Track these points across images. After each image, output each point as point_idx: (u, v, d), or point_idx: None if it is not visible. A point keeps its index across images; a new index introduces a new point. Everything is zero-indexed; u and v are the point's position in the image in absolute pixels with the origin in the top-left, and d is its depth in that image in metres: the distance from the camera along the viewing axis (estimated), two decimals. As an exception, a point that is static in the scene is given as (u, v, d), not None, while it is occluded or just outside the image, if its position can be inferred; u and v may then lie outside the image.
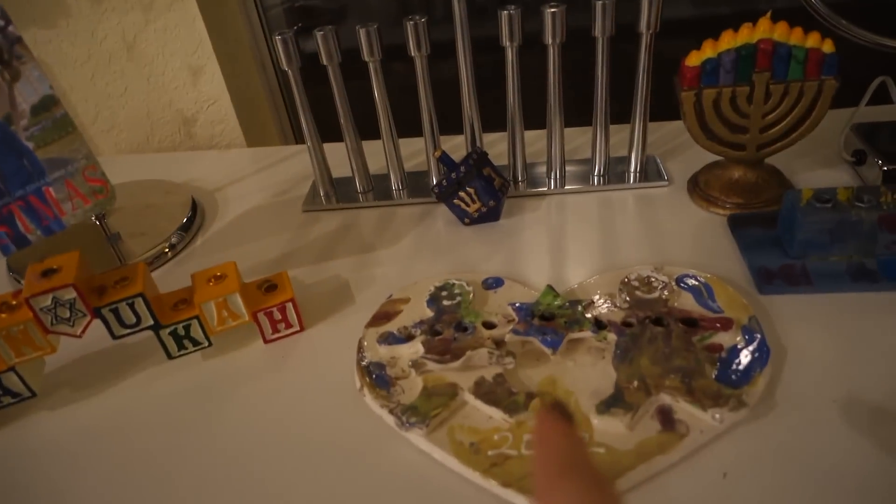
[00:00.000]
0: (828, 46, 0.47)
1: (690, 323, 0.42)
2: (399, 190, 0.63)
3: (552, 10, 0.51)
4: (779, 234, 0.49)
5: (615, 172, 0.61)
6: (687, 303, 0.44)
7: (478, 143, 0.59)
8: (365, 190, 0.63)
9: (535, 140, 0.65)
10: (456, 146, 0.65)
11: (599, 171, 0.60)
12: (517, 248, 0.54)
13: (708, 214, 0.55)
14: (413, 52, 0.54)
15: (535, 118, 0.60)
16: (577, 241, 0.54)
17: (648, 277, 0.46)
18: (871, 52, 0.58)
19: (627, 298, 0.45)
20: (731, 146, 0.52)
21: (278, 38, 0.55)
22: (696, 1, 0.86)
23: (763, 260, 0.48)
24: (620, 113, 0.58)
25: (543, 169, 0.62)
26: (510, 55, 0.54)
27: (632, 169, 0.60)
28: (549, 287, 0.46)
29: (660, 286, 0.45)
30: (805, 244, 0.46)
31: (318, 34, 0.54)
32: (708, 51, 0.49)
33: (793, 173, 0.58)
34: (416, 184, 0.63)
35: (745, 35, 0.48)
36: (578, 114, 0.63)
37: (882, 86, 0.60)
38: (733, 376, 0.38)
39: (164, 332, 0.44)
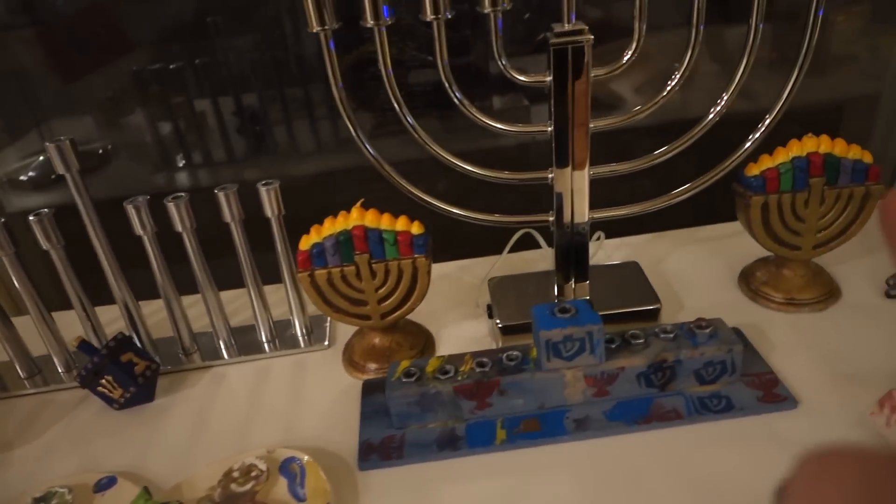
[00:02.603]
0: (416, 228, 0.53)
1: (265, 519, 0.43)
2: (64, 372, 0.61)
3: (172, 201, 0.54)
4: (391, 402, 0.52)
5: (284, 336, 0.63)
6: (280, 491, 0.45)
7: (135, 318, 0.60)
8: (29, 374, 0.61)
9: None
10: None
11: (266, 336, 0.62)
12: (157, 433, 0.54)
13: (353, 380, 0.57)
14: (44, 244, 0.55)
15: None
16: (220, 420, 0.54)
17: (251, 466, 0.47)
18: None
19: (221, 493, 0.45)
20: (356, 317, 0.56)
21: None
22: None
23: (373, 431, 0.50)
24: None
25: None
26: (147, 243, 0.56)
27: (297, 332, 0.62)
28: (144, 490, 0.45)
29: (257, 475, 0.46)
30: (401, 416, 0.49)
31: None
32: (314, 236, 0.53)
33: (441, 327, 0.62)
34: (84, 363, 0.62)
35: (342, 222, 0.52)
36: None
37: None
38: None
39: None
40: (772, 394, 0.49)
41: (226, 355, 0.61)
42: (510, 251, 0.69)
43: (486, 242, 0.69)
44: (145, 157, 1.00)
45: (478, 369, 0.49)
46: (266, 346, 0.62)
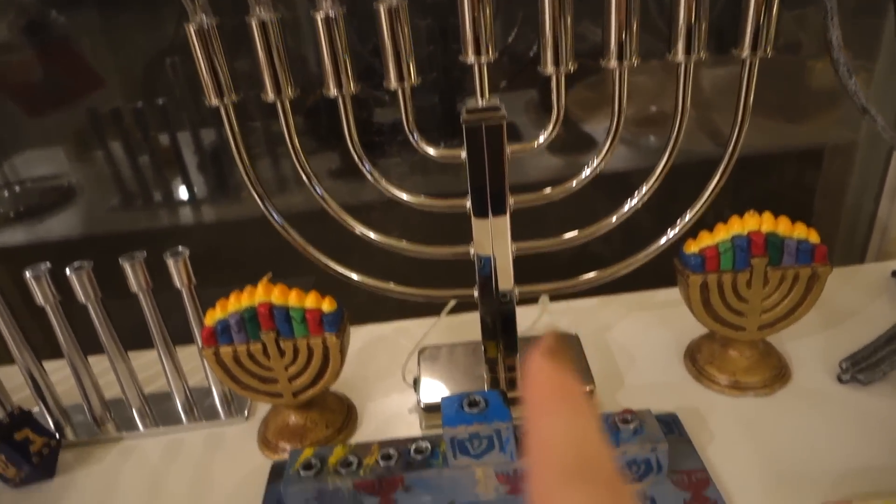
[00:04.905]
0: (327, 305, 0.49)
1: None
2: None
3: (74, 272, 0.51)
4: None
5: (203, 405, 0.59)
6: None
7: (41, 387, 0.57)
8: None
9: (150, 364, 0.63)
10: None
11: (183, 406, 0.59)
12: (50, 517, 0.51)
13: (265, 460, 0.54)
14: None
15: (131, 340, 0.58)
16: (120, 501, 0.51)
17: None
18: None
19: None
20: (267, 394, 0.52)
21: None
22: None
23: (271, 526, 0.47)
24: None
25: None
26: (51, 313, 0.53)
27: (216, 402, 0.59)
28: None
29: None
30: (298, 513, 0.46)
31: None
32: (219, 311, 0.50)
33: (367, 399, 0.59)
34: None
35: (247, 297, 0.49)
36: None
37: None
38: None
39: None
40: (701, 496, 0.45)
41: (141, 426, 0.58)
42: (450, 313, 0.65)
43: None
44: (107, 194, 0.97)
45: (382, 463, 0.45)
46: (184, 416, 0.59)
